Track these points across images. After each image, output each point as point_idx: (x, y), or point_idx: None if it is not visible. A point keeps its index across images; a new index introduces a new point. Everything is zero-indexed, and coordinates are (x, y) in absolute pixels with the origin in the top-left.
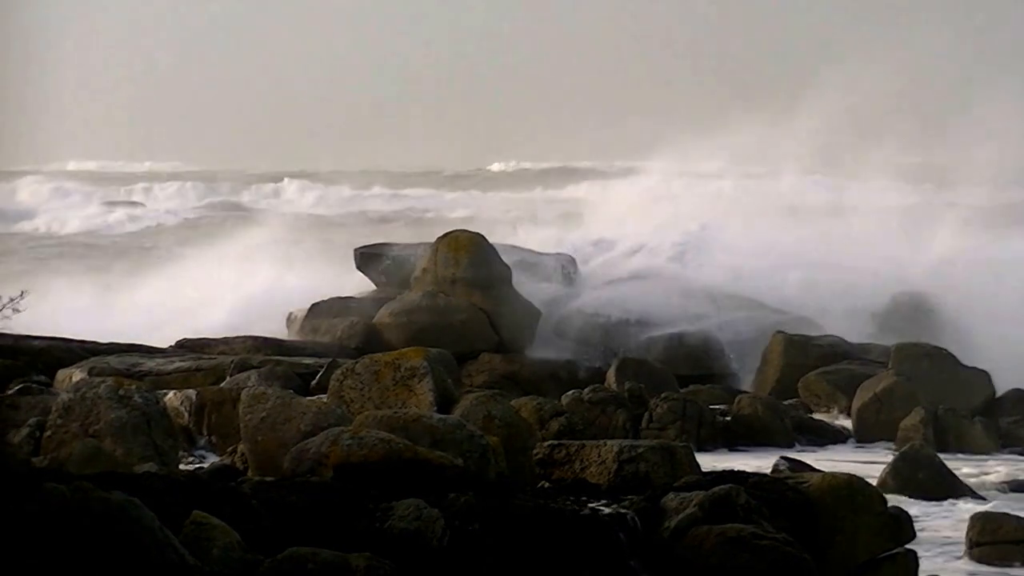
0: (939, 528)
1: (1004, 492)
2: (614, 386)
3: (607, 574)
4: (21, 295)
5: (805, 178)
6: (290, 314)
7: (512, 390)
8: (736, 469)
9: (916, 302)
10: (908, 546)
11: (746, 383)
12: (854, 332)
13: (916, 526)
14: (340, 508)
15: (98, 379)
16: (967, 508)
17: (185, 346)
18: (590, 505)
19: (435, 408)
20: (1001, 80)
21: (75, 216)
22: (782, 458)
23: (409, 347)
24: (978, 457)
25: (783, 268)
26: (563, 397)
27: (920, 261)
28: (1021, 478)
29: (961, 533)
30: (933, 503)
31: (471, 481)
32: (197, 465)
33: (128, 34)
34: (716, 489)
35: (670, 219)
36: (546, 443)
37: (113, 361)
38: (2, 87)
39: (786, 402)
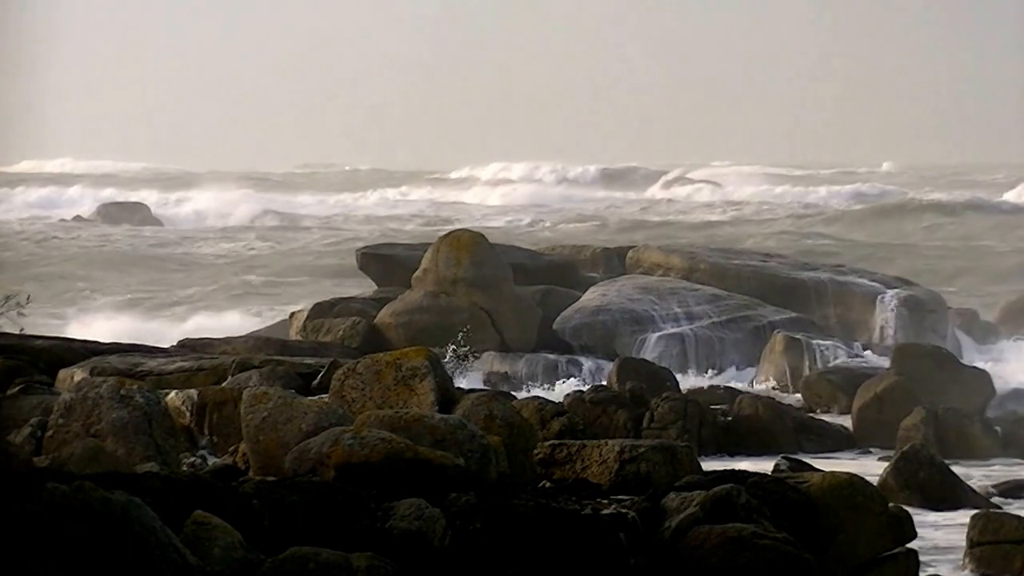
0: (940, 528)
1: (1002, 497)
2: (615, 386)
3: (608, 574)
4: (28, 299)
5: None
6: (292, 314)
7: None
8: (737, 469)
9: None
10: (909, 545)
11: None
12: None
13: (916, 526)
14: (341, 508)
15: (100, 379)
16: (968, 508)
17: (187, 346)
18: (591, 505)
19: (436, 408)
20: None
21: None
22: (783, 457)
23: (410, 347)
24: (978, 457)
25: None
26: (564, 397)
27: None
28: (1019, 480)
29: (962, 533)
30: (934, 502)
31: (472, 481)
32: (199, 465)
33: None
34: (717, 489)
35: None
36: (547, 443)
37: (114, 361)
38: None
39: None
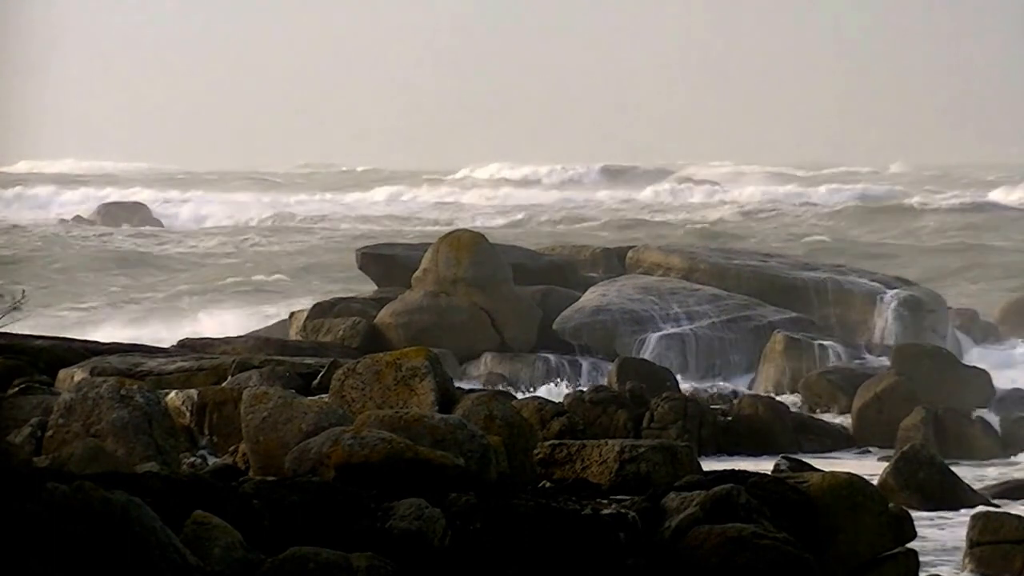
0: (940, 528)
1: (1002, 497)
2: (615, 386)
3: (608, 574)
4: (23, 295)
5: None
6: (292, 314)
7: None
8: (737, 469)
9: None
10: (909, 545)
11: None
12: None
13: (916, 526)
14: (341, 508)
15: (100, 379)
16: (968, 508)
17: (187, 345)
18: (591, 505)
19: (436, 408)
20: None
21: None
22: (783, 457)
23: (410, 347)
24: (978, 457)
25: None
26: (564, 397)
27: None
28: (1018, 480)
29: (962, 533)
30: (934, 502)
31: (472, 481)
32: (199, 465)
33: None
34: (717, 489)
35: None
36: (547, 443)
37: (115, 361)
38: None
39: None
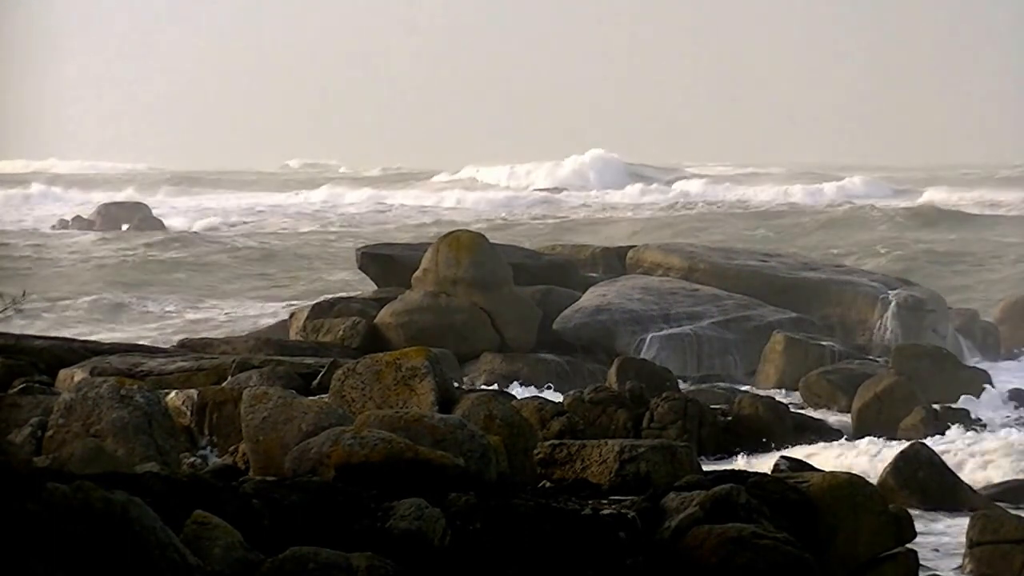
0: (940, 528)
1: (1002, 498)
2: (615, 386)
3: (608, 574)
4: (23, 295)
5: None
6: (291, 314)
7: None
8: (737, 469)
9: None
10: (909, 545)
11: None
12: None
13: (916, 525)
14: (341, 508)
15: (100, 379)
16: (968, 508)
17: (187, 346)
18: (591, 505)
19: (436, 408)
20: None
21: None
22: (783, 458)
23: (410, 347)
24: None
25: None
26: (564, 397)
27: None
28: (1019, 480)
29: (961, 533)
30: (934, 502)
31: (472, 481)
32: (199, 465)
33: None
34: (717, 489)
35: None
36: (547, 443)
37: (115, 361)
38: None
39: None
